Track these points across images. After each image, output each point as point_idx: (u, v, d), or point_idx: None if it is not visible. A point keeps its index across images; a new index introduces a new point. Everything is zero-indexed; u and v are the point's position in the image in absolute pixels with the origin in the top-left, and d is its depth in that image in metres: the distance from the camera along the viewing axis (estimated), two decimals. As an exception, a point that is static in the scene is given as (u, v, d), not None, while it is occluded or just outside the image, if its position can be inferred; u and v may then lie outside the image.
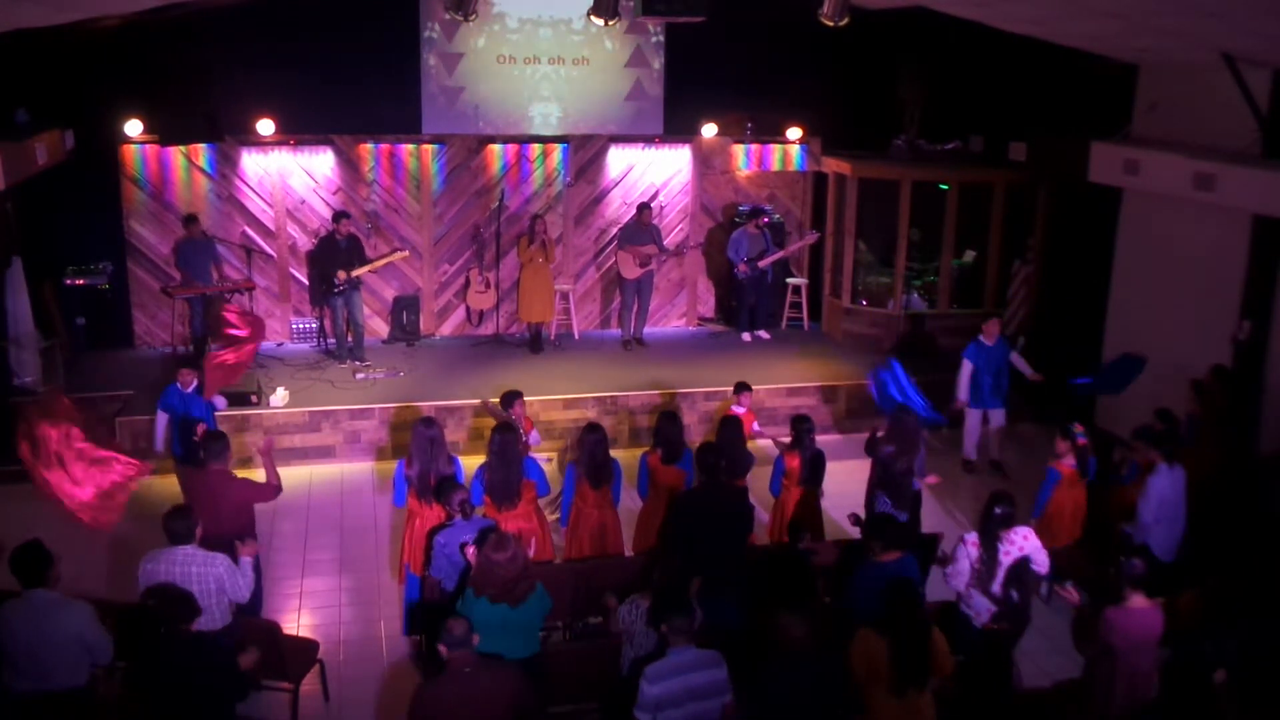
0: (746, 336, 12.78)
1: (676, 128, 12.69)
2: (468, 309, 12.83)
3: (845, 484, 8.75)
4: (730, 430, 7.87)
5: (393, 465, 10.17)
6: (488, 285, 12.53)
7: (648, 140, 12.82)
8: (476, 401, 10.55)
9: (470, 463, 7.67)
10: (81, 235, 11.59)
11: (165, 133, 11.46)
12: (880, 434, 7.97)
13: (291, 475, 10.04)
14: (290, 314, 12.44)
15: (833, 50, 11.55)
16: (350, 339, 11.74)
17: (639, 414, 10.83)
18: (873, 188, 12.34)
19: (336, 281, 11.31)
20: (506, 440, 7.27)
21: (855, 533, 7.31)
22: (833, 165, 12.81)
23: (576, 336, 12.86)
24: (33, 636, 5.25)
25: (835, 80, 12.54)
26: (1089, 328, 11.17)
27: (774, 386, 11.17)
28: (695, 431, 10.75)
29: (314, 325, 12.37)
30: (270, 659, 6.44)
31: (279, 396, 10.34)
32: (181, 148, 11.78)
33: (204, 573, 5.85)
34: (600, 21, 9.60)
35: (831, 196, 12.99)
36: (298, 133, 11.93)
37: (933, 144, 12.59)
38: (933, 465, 9.69)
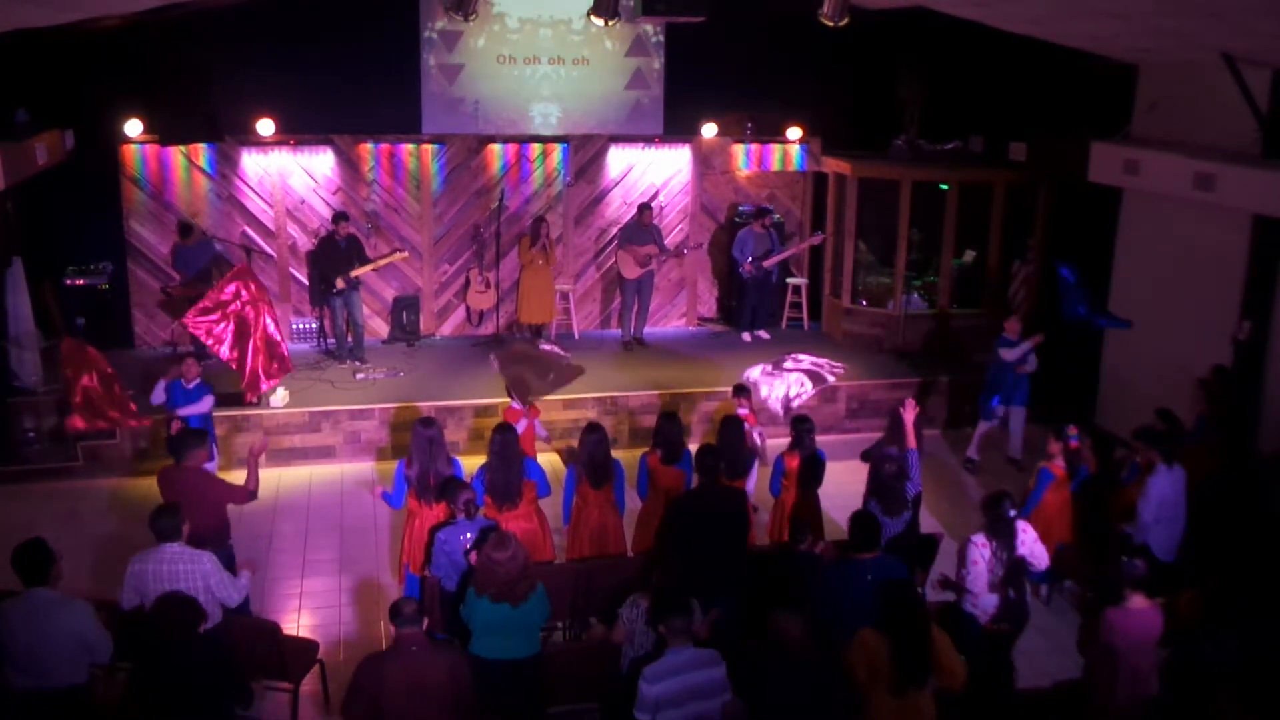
0: (747, 336, 12.78)
1: (676, 128, 12.69)
2: (467, 309, 12.83)
3: (845, 484, 8.74)
4: (730, 431, 7.86)
5: (393, 465, 10.25)
6: (488, 285, 12.53)
7: (648, 140, 12.82)
8: (477, 402, 10.55)
9: (470, 463, 7.67)
10: (81, 235, 11.59)
11: (165, 133, 11.46)
12: (880, 438, 7.99)
13: (291, 475, 10.08)
14: (290, 314, 12.44)
15: (833, 50, 11.55)
16: (350, 339, 11.74)
17: (639, 414, 10.83)
18: (873, 188, 12.34)
19: (336, 283, 11.31)
20: (507, 440, 7.28)
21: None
22: (833, 165, 12.81)
23: (576, 336, 12.86)
24: (33, 635, 5.26)
25: (835, 80, 12.54)
26: (1089, 328, 11.17)
27: (774, 386, 11.15)
28: (695, 431, 10.76)
29: (314, 325, 12.37)
30: (270, 659, 6.45)
31: (279, 396, 10.34)
32: (181, 148, 11.78)
33: (191, 570, 5.83)
34: (600, 21, 9.61)
35: (831, 196, 12.98)
36: (298, 133, 11.93)
37: (933, 144, 12.59)
38: (938, 470, 9.74)
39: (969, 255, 12.65)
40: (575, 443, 7.90)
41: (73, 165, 11.01)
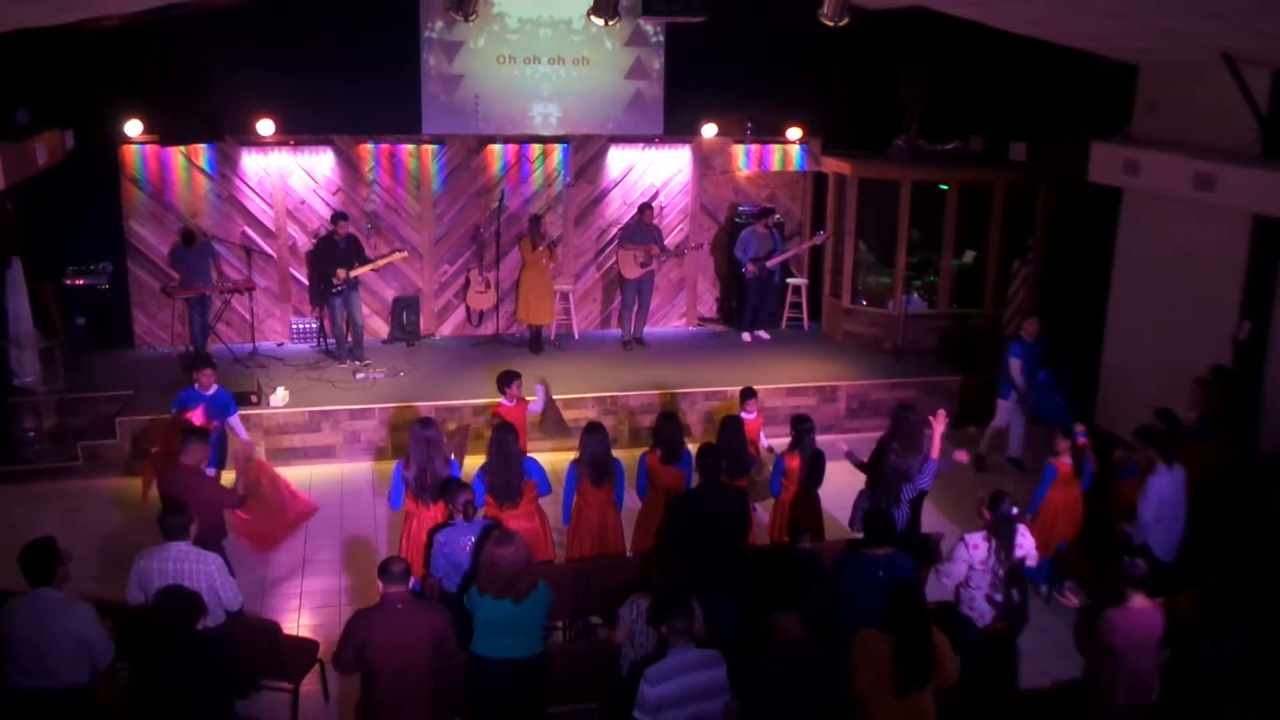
0: (746, 336, 12.78)
1: (676, 128, 12.69)
2: (467, 309, 12.83)
3: (846, 484, 8.74)
4: (730, 431, 7.87)
5: (392, 465, 10.26)
6: (488, 285, 12.53)
7: (648, 140, 12.82)
8: (477, 402, 10.55)
9: (470, 463, 7.67)
10: (81, 235, 11.59)
11: (165, 133, 11.46)
12: (882, 437, 7.99)
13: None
14: (290, 314, 12.44)
15: (833, 50, 11.55)
16: (350, 339, 11.74)
17: (639, 414, 10.83)
18: (873, 188, 12.34)
19: (335, 282, 11.31)
20: (506, 440, 7.28)
21: (856, 533, 7.32)
22: (833, 165, 12.81)
23: (576, 336, 12.86)
24: (36, 634, 5.26)
25: (835, 80, 12.54)
26: (1089, 328, 11.17)
27: (774, 386, 11.16)
28: (695, 432, 10.76)
29: (314, 325, 12.36)
30: (270, 659, 6.45)
31: (279, 396, 10.34)
32: (181, 148, 11.78)
33: (196, 570, 5.86)
34: (600, 21, 9.62)
35: (831, 196, 12.98)
36: (298, 133, 11.93)
37: (933, 144, 12.59)
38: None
39: (969, 255, 12.65)
40: (574, 444, 7.90)
41: (73, 165, 11.00)
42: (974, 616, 6.48)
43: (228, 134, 11.74)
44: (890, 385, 11.36)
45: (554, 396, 10.66)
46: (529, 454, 7.66)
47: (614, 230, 12.90)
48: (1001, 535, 6.40)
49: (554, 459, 9.61)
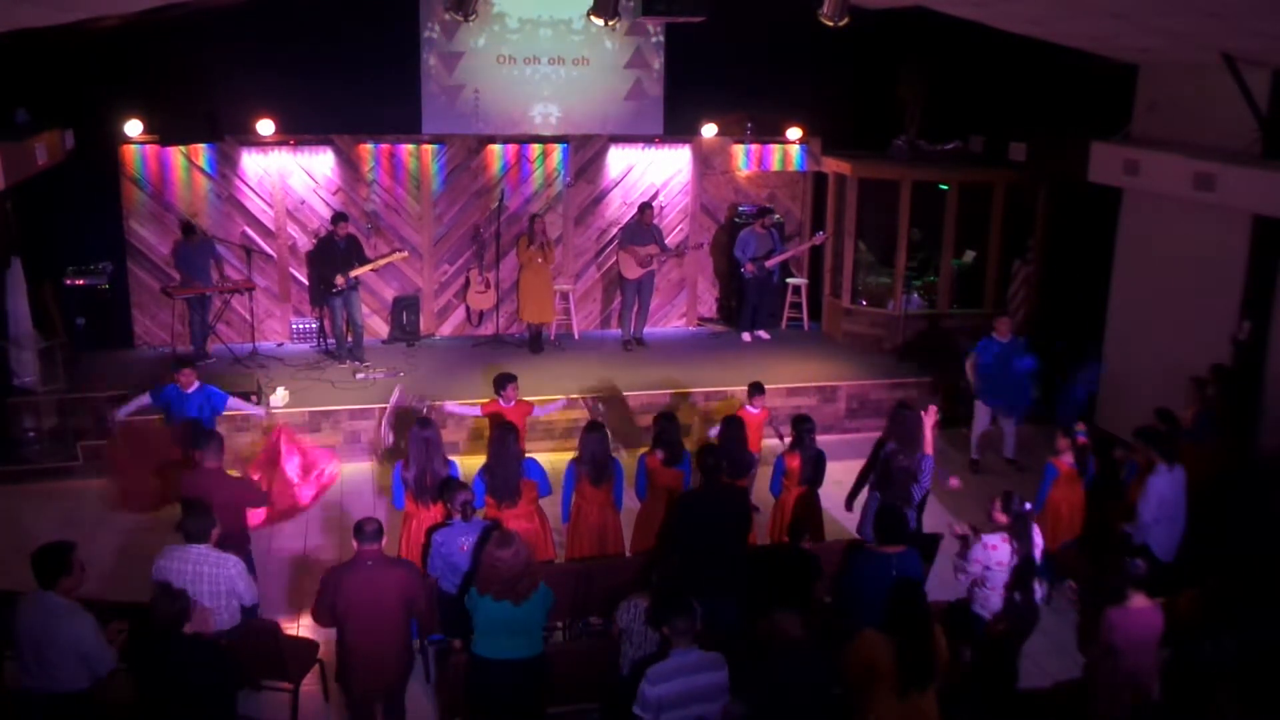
0: (746, 336, 12.78)
1: (676, 128, 12.69)
2: (467, 309, 12.83)
3: (845, 484, 8.74)
4: (731, 431, 7.87)
5: (392, 466, 10.24)
6: (488, 285, 12.53)
7: (648, 140, 12.82)
8: (478, 402, 10.53)
9: (470, 463, 7.67)
10: (81, 235, 11.59)
11: (165, 133, 11.46)
12: (879, 437, 8.00)
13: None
14: (290, 314, 12.44)
15: (833, 50, 11.55)
16: (350, 339, 11.74)
17: (639, 414, 10.83)
18: (873, 188, 12.34)
19: (335, 283, 11.31)
20: (506, 440, 7.29)
21: (856, 534, 7.32)
22: (833, 165, 12.81)
23: (576, 336, 12.86)
24: (40, 637, 5.27)
25: (835, 80, 12.54)
26: (1089, 328, 11.17)
27: (774, 386, 11.13)
28: (695, 432, 10.75)
29: (314, 325, 12.36)
30: (270, 659, 6.45)
31: (279, 396, 10.34)
32: (181, 148, 11.77)
33: (215, 574, 5.88)
34: (600, 21, 9.60)
35: (831, 196, 12.98)
36: (298, 133, 11.93)
37: (933, 144, 12.59)
38: (942, 466, 9.72)
39: (969, 255, 12.65)
40: (574, 444, 7.90)
41: (73, 165, 11.00)
42: (985, 615, 6.49)
43: (228, 134, 11.73)
44: (890, 385, 11.36)
45: (554, 396, 10.67)
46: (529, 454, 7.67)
47: (614, 230, 12.90)
48: (1020, 534, 6.40)
49: (554, 459, 9.61)
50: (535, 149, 12.63)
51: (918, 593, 5.47)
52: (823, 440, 8.20)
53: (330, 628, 5.86)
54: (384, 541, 5.83)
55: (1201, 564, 7.34)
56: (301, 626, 7.67)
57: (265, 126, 11.62)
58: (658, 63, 12.47)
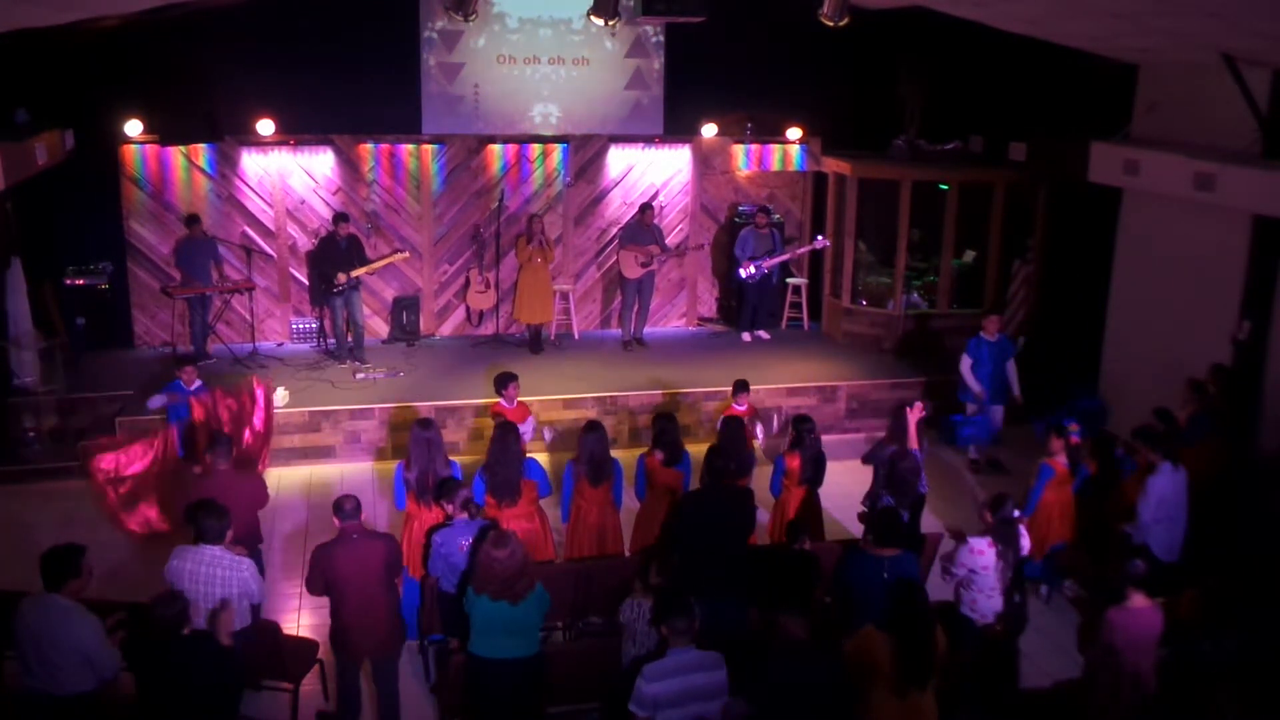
0: (746, 336, 12.78)
1: (676, 128, 12.69)
2: (467, 309, 12.83)
3: (845, 484, 8.75)
4: (732, 430, 7.87)
5: (393, 465, 10.24)
6: (487, 285, 12.52)
7: (648, 140, 12.82)
8: (477, 402, 10.54)
9: (470, 463, 7.67)
10: (81, 235, 11.59)
11: (165, 133, 11.46)
12: (881, 437, 8.00)
13: (292, 475, 10.08)
14: (290, 314, 12.44)
15: (833, 50, 11.55)
16: (350, 339, 11.74)
17: (639, 414, 10.83)
18: (873, 188, 12.34)
19: (336, 283, 11.32)
20: (507, 440, 7.29)
21: (857, 532, 7.31)
22: (833, 165, 12.80)
23: (576, 336, 12.86)
24: (43, 639, 5.26)
25: (835, 80, 12.53)
26: (1089, 328, 11.17)
27: (774, 386, 11.16)
28: (696, 431, 10.76)
29: (314, 325, 12.36)
30: (270, 659, 6.45)
31: (279, 396, 10.33)
32: (181, 148, 11.78)
33: (229, 576, 5.89)
34: (600, 21, 9.60)
35: (831, 196, 12.98)
36: (298, 133, 11.93)
37: (933, 144, 12.58)
38: (937, 471, 9.72)
39: (969, 255, 12.65)
40: (574, 444, 7.90)
41: (73, 165, 11.00)
42: (974, 617, 6.49)
43: (228, 134, 11.73)
44: (890, 385, 11.36)
45: (554, 396, 10.67)
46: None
47: (614, 230, 12.90)
48: (1005, 538, 6.41)
49: (554, 460, 9.62)
50: (535, 149, 12.63)
51: (918, 593, 5.46)
52: (823, 440, 8.19)
53: (323, 596, 6.26)
54: (363, 516, 6.26)
55: (1202, 564, 7.34)
56: (301, 627, 7.67)
57: (265, 126, 11.62)
58: (658, 63, 12.47)
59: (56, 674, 5.27)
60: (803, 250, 12.94)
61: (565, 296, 12.85)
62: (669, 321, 13.52)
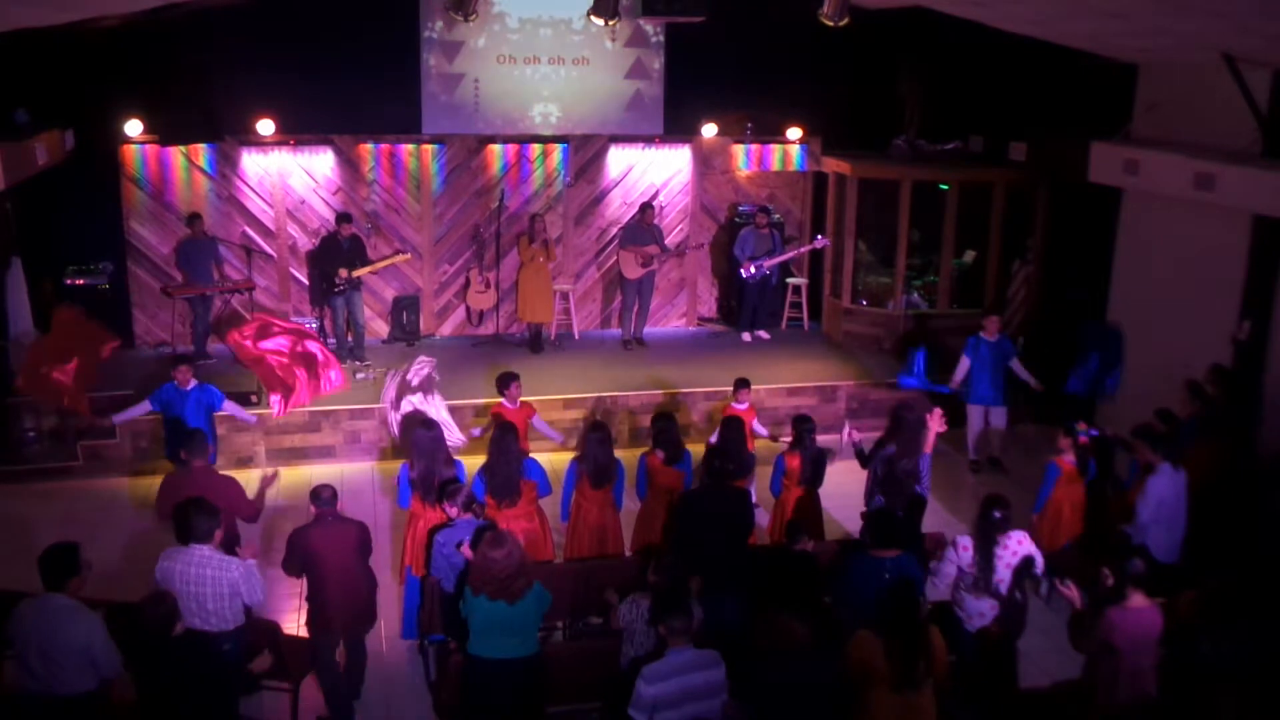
0: (746, 336, 12.78)
1: (676, 128, 12.69)
2: (468, 309, 12.83)
3: (845, 484, 8.75)
4: (732, 430, 7.87)
5: (393, 465, 10.23)
6: (488, 285, 12.53)
7: (648, 140, 12.82)
8: (478, 402, 10.54)
9: (471, 463, 7.67)
10: (81, 235, 11.58)
11: (165, 133, 11.46)
12: (880, 437, 7.99)
13: (292, 475, 10.07)
14: (290, 314, 12.43)
15: (833, 50, 11.54)
16: (350, 339, 11.74)
17: (639, 414, 10.83)
18: (873, 188, 12.34)
19: (338, 280, 11.32)
20: (507, 439, 7.29)
21: (858, 532, 7.31)
22: (833, 165, 12.80)
23: (576, 336, 12.86)
24: (44, 639, 5.24)
25: (835, 80, 12.52)
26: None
27: (774, 386, 11.17)
28: (696, 431, 10.76)
29: (314, 325, 12.35)
30: (270, 659, 6.45)
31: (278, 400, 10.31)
32: (181, 148, 11.78)
33: (218, 576, 5.85)
34: (600, 21, 9.61)
35: (831, 196, 12.98)
36: (298, 133, 11.93)
37: (933, 144, 12.58)
38: (938, 471, 9.71)
39: (969, 255, 12.65)
40: (575, 444, 7.91)
41: (73, 165, 11.00)
42: (963, 617, 6.48)
43: (228, 134, 11.73)
44: (890, 385, 11.35)
45: (554, 396, 10.68)
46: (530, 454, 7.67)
47: (614, 230, 12.91)
48: (984, 538, 6.38)
49: (554, 459, 9.62)
50: (535, 149, 12.64)
51: (911, 593, 5.45)
52: (823, 440, 8.20)
53: (298, 577, 6.62)
54: (339, 505, 6.59)
55: (1202, 564, 7.33)
56: (301, 627, 7.67)
57: (265, 126, 11.61)
58: (658, 62, 12.47)
59: (59, 674, 5.26)
60: (803, 250, 12.94)
61: (565, 296, 12.85)
62: (669, 321, 13.52)
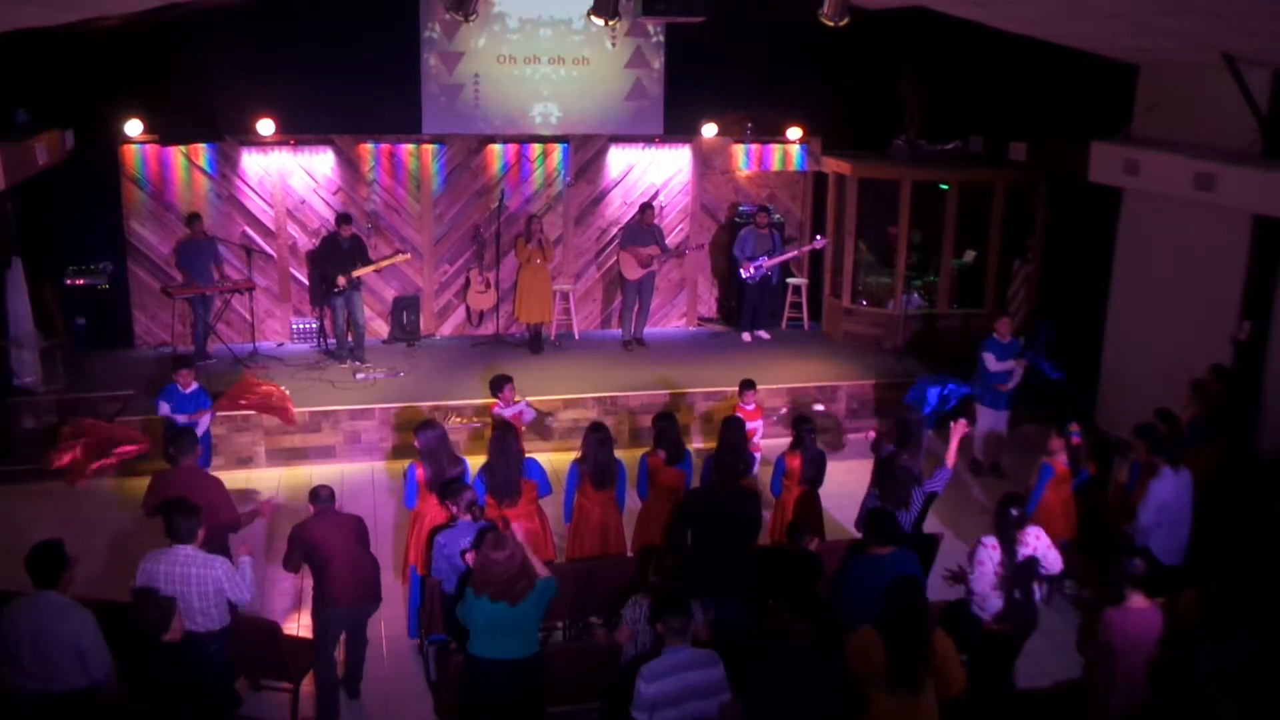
0: (746, 336, 12.78)
1: (676, 128, 12.68)
2: (468, 309, 12.83)
3: (845, 484, 8.76)
4: (733, 431, 7.87)
5: (393, 465, 10.24)
6: (488, 285, 12.53)
7: (648, 140, 12.82)
8: (478, 402, 10.54)
9: (471, 463, 7.67)
10: (81, 235, 11.58)
11: (165, 133, 11.46)
12: (883, 432, 8.01)
13: (291, 475, 10.09)
14: (290, 314, 12.44)
15: (833, 50, 11.54)
16: (350, 339, 11.74)
17: (639, 414, 10.83)
18: (873, 188, 12.34)
19: (337, 285, 11.32)
20: (507, 439, 7.29)
21: (857, 532, 7.31)
22: (833, 165, 12.80)
23: (576, 336, 12.86)
24: (38, 638, 5.23)
25: (835, 80, 12.53)
26: (1089, 328, 11.17)
27: (774, 386, 11.16)
28: (695, 431, 10.76)
29: (314, 325, 12.36)
30: (270, 659, 6.45)
31: (279, 396, 10.32)
32: (181, 148, 11.77)
33: (203, 575, 5.83)
34: (600, 21, 9.60)
35: (831, 196, 12.98)
36: (298, 133, 11.93)
37: (933, 144, 12.59)
38: (935, 464, 9.71)
39: (969, 255, 12.65)
40: (578, 443, 7.90)
41: (73, 165, 11.00)
42: (984, 616, 6.50)
43: (228, 134, 11.73)
44: (890, 385, 11.35)
45: (554, 396, 10.68)
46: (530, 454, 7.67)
47: (614, 230, 12.91)
48: (1005, 536, 6.42)
49: (554, 459, 9.63)
50: (535, 149, 12.64)
51: (913, 592, 5.45)
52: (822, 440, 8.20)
53: (297, 572, 6.81)
54: (338, 505, 6.73)
55: (1203, 565, 7.33)
56: (301, 627, 7.67)
57: (265, 126, 11.61)
58: (658, 63, 12.47)
59: (54, 671, 5.25)
60: (802, 250, 12.94)
61: (565, 296, 12.85)
62: (669, 321, 13.52)
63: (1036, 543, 6.54)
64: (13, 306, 10.23)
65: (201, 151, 11.88)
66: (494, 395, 8.67)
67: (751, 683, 5.26)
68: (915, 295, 12.55)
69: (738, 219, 13.04)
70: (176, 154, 11.83)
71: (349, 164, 12.27)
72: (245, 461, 10.15)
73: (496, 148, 12.55)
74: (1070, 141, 10.72)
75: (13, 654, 5.29)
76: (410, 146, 12.36)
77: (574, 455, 7.72)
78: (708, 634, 5.90)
